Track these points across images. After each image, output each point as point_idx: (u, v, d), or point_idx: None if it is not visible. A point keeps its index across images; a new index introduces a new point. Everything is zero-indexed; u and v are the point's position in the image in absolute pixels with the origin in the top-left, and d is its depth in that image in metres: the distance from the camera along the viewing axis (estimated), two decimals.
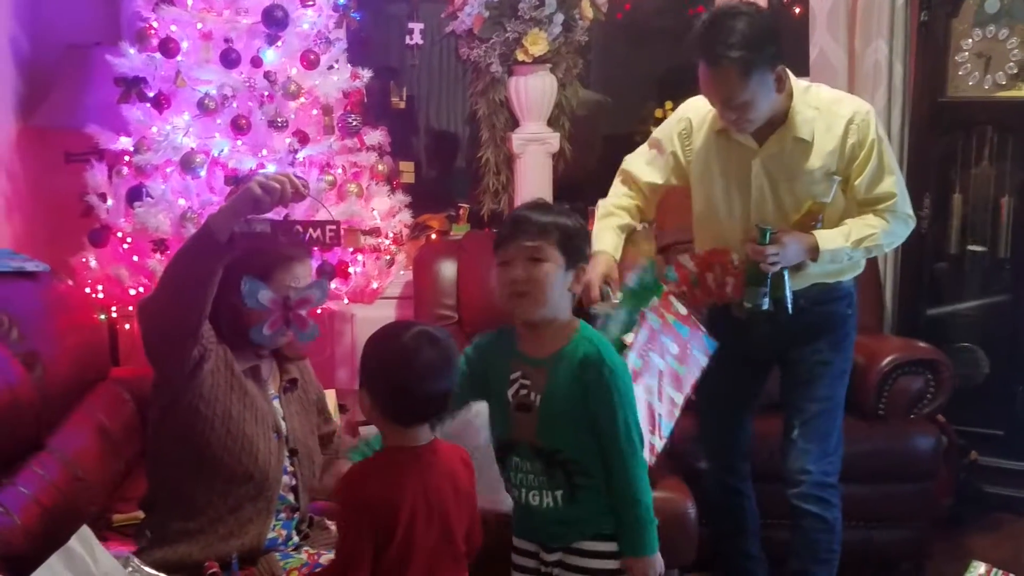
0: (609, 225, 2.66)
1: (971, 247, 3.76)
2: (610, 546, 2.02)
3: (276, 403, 2.23)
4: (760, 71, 2.34)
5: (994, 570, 2.56)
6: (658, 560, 1.98)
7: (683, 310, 2.70)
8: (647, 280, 2.59)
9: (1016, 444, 3.61)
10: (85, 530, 1.85)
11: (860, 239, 2.48)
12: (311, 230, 1.99)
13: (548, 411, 1.97)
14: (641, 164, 2.73)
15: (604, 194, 2.82)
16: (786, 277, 2.49)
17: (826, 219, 2.51)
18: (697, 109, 2.61)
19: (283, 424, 2.21)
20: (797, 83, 2.52)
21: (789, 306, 2.50)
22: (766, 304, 2.48)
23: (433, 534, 1.86)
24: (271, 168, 3.16)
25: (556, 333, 1.99)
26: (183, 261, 1.97)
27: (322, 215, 2.69)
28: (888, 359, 3.28)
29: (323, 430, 2.39)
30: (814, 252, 2.46)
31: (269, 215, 2.01)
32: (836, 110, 2.48)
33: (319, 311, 3.47)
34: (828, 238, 2.47)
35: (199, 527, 2.06)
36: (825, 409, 2.64)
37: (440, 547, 1.88)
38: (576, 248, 1.98)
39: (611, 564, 2.01)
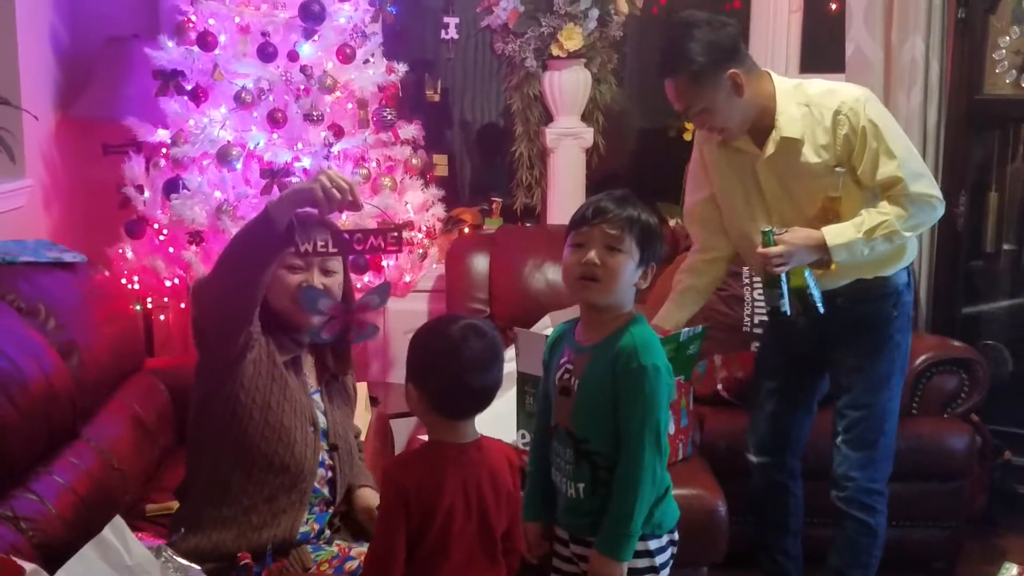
0: (678, 301, 2.73)
1: (1006, 246, 3.72)
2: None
3: (317, 397, 2.24)
4: (710, 78, 2.41)
5: None
6: (624, 570, 1.95)
7: (691, 405, 2.78)
8: (692, 348, 2.63)
9: None
10: (118, 520, 1.87)
11: (872, 228, 2.42)
12: (372, 238, 1.99)
13: (583, 397, 1.98)
14: (695, 198, 2.75)
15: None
16: (807, 276, 2.45)
17: (851, 211, 2.46)
18: (701, 131, 2.65)
19: (322, 418, 2.22)
20: (782, 82, 2.51)
21: (819, 305, 2.46)
22: (785, 306, 2.44)
23: (471, 531, 1.88)
24: (306, 162, 3.18)
25: (611, 323, 1.98)
26: (240, 246, 1.97)
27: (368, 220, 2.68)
28: (922, 357, 3.25)
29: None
30: (824, 248, 2.42)
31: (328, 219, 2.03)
32: (824, 103, 2.46)
33: None
34: (837, 232, 2.42)
35: (232, 515, 2.08)
36: (867, 416, 2.59)
37: (477, 545, 1.90)
38: (651, 247, 1.98)
39: (636, 563, 1.98)
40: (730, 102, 2.44)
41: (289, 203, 1.92)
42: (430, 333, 1.90)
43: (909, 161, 2.45)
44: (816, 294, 2.46)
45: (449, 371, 1.84)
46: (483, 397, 1.89)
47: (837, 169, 2.45)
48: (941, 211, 2.51)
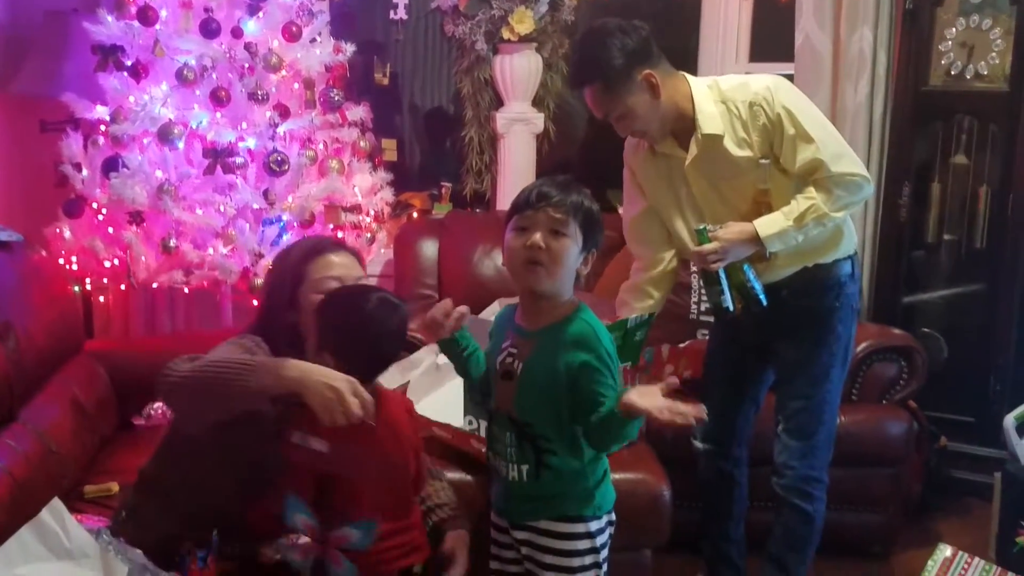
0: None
1: (947, 236, 3.79)
2: (576, 527, 2.01)
3: None
4: (624, 82, 2.41)
5: (960, 553, 2.60)
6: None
7: None
8: (639, 335, 2.64)
9: (985, 431, 3.63)
10: (56, 503, 1.84)
11: (801, 214, 2.42)
12: None
13: (527, 382, 1.98)
14: (631, 213, 2.73)
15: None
16: (747, 271, 2.46)
17: (782, 201, 2.46)
18: (628, 143, 2.66)
19: None
20: (697, 82, 2.52)
21: (761, 298, 2.47)
22: (728, 302, 2.44)
23: (372, 490, 1.93)
24: (251, 143, 3.13)
25: (554, 309, 1.99)
26: (221, 387, 1.81)
27: None
28: (863, 345, 3.29)
29: None
30: (758, 240, 2.43)
31: None
32: (738, 97, 2.47)
33: None
34: (768, 223, 2.43)
35: (184, 512, 2.00)
36: (807, 407, 2.60)
37: (385, 493, 1.95)
38: (593, 233, 1.99)
39: (577, 545, 2.01)
40: (648, 104, 2.44)
41: (289, 388, 1.81)
42: (337, 299, 1.99)
43: (828, 143, 2.44)
44: (757, 287, 2.47)
45: (358, 333, 1.93)
46: (386, 354, 1.98)
47: (762, 161, 2.46)
48: (869, 189, 2.51)
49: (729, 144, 2.46)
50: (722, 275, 2.43)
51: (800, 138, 2.42)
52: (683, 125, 2.50)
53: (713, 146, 2.47)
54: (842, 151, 2.47)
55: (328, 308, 1.97)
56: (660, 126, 2.49)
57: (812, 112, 2.49)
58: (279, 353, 1.98)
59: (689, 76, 2.54)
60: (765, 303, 2.47)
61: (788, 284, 2.56)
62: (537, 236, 1.93)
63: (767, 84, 2.47)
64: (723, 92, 2.49)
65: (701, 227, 2.43)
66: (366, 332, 1.93)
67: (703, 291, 3.45)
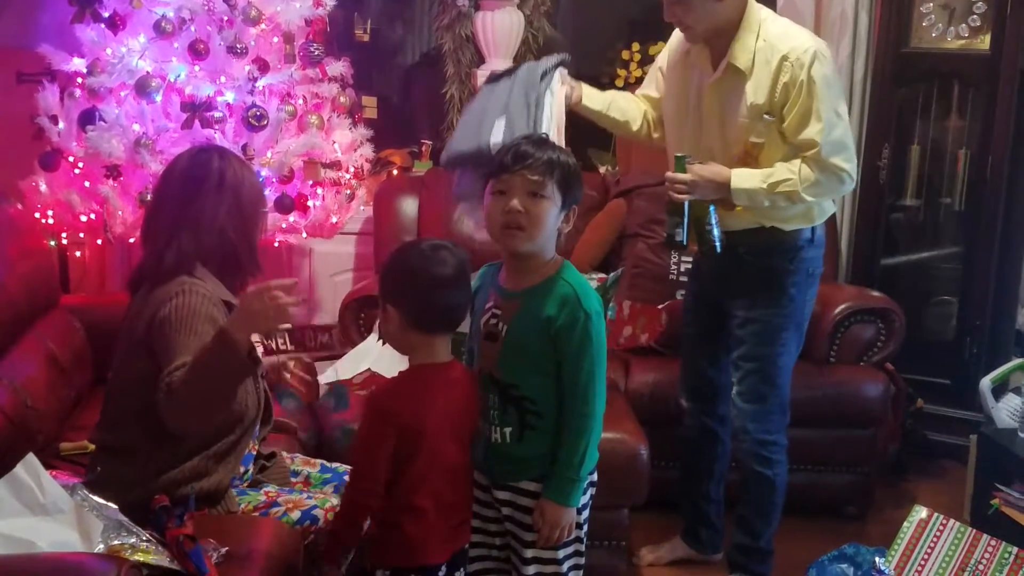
0: (601, 96, 2.70)
1: (926, 198, 3.80)
2: None
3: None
4: None
5: (936, 515, 2.63)
6: (573, 515, 2.00)
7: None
8: (611, 292, 2.64)
9: (961, 393, 3.68)
10: (31, 458, 1.82)
11: (777, 182, 2.42)
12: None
13: (512, 343, 1.98)
14: (643, 91, 2.77)
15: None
16: (712, 212, 2.46)
17: (768, 161, 2.46)
18: (675, 35, 2.64)
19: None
20: (754, 10, 2.47)
21: (717, 243, 2.47)
22: (682, 236, 2.45)
23: (453, 449, 1.94)
24: (230, 96, 3.09)
25: (537, 269, 1.99)
26: (207, 382, 1.87)
27: None
28: (841, 307, 3.31)
29: None
30: (728, 188, 2.42)
31: None
32: (776, 45, 2.42)
33: (276, 244, 3.45)
34: (744, 176, 2.43)
35: (167, 464, 2.01)
36: (758, 369, 2.60)
37: (459, 461, 1.97)
38: (572, 189, 1.98)
39: None
40: (708, 2, 2.40)
41: (244, 323, 1.86)
42: (403, 252, 1.96)
43: (833, 130, 2.42)
44: (716, 232, 2.47)
45: (423, 284, 1.89)
46: (455, 310, 1.95)
47: (766, 116, 2.44)
48: (850, 187, 2.51)
49: (750, 86, 2.44)
50: (686, 208, 2.43)
51: (812, 113, 2.40)
52: (722, 43, 2.46)
53: (734, 80, 2.45)
54: (842, 143, 2.44)
55: (388, 261, 1.97)
56: (706, 28, 2.45)
57: (833, 93, 2.45)
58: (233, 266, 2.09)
59: (756, 4, 2.49)
60: (720, 250, 2.47)
61: (745, 242, 2.55)
62: (515, 201, 1.92)
63: (807, 46, 2.42)
64: (768, 33, 2.44)
65: (682, 155, 2.42)
66: (423, 272, 1.90)
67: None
